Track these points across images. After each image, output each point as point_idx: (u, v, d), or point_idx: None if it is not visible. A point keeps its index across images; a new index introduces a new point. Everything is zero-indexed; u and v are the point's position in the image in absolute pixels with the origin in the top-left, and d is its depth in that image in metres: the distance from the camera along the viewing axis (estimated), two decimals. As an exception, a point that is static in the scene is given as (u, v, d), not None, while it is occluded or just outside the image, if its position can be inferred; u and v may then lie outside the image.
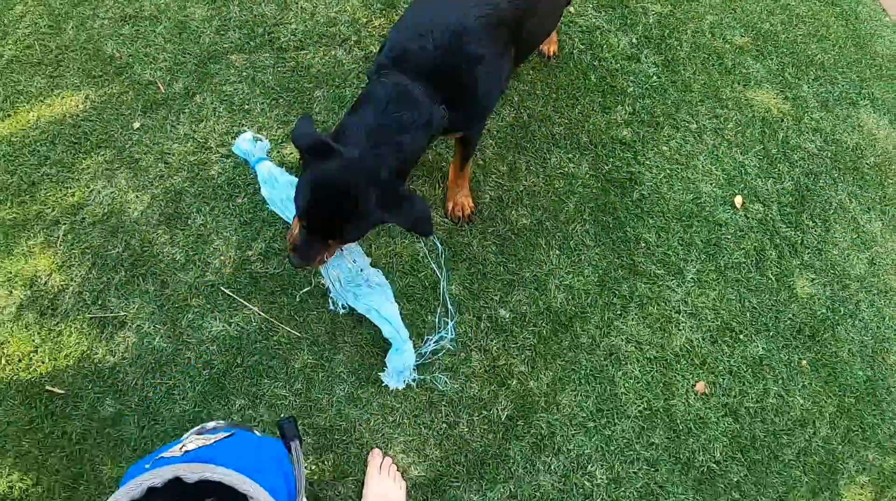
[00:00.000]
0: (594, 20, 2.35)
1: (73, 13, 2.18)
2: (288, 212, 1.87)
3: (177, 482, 0.81)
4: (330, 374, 1.82)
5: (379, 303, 1.76)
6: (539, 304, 1.96)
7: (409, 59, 1.45)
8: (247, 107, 2.08)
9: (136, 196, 1.96)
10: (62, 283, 1.85)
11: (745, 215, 2.18)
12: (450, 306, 1.90)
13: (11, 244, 1.89)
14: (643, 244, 2.08)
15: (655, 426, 1.91)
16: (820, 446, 2.00)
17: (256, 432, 1.27)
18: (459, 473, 1.78)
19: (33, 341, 1.80)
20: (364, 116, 1.42)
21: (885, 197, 2.33)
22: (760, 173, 2.25)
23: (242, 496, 0.82)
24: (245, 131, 1.99)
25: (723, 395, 1.98)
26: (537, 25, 1.68)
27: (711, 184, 2.20)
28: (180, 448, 0.94)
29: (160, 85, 2.09)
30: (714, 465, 1.91)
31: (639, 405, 1.92)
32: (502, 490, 1.79)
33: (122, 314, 1.83)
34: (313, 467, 1.74)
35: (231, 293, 1.86)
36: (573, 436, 1.86)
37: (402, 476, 1.75)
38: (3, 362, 1.78)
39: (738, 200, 2.19)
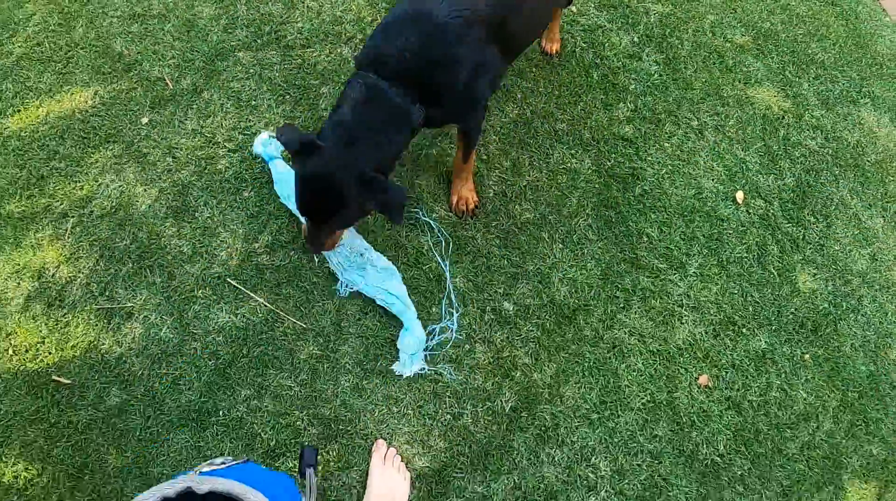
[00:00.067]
0: (596, 19, 2.38)
1: (83, 12, 2.21)
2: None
3: (188, 492, 0.85)
4: (335, 365, 1.83)
5: (387, 284, 1.79)
6: (543, 297, 1.97)
7: (383, 60, 1.54)
8: (254, 103, 2.11)
9: (144, 190, 1.98)
10: (70, 275, 1.87)
11: (747, 211, 2.20)
12: (453, 298, 1.91)
13: (20, 237, 1.91)
14: (645, 239, 2.10)
15: (659, 419, 1.91)
16: (823, 440, 2.00)
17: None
18: (463, 464, 1.79)
19: (40, 331, 1.81)
20: (342, 114, 1.54)
21: (886, 194, 2.34)
22: (761, 170, 2.27)
23: None
24: (262, 132, 2.02)
25: (726, 388, 1.99)
26: (524, 24, 1.72)
27: (713, 180, 2.22)
28: (195, 472, 0.99)
29: (168, 81, 2.12)
30: (718, 458, 1.91)
31: (642, 398, 1.92)
32: (506, 481, 1.79)
33: (129, 305, 1.85)
34: (318, 458, 1.75)
35: (237, 285, 1.88)
36: (577, 428, 1.86)
37: (407, 467, 1.76)
38: (10, 352, 1.80)
39: (740, 195, 2.21)
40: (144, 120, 2.06)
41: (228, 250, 1.92)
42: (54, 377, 1.77)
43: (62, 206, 1.95)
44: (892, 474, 2.02)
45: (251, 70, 2.15)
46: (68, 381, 1.77)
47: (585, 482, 1.82)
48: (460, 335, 1.89)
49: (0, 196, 1.95)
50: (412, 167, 2.08)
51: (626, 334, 1.98)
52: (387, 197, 1.52)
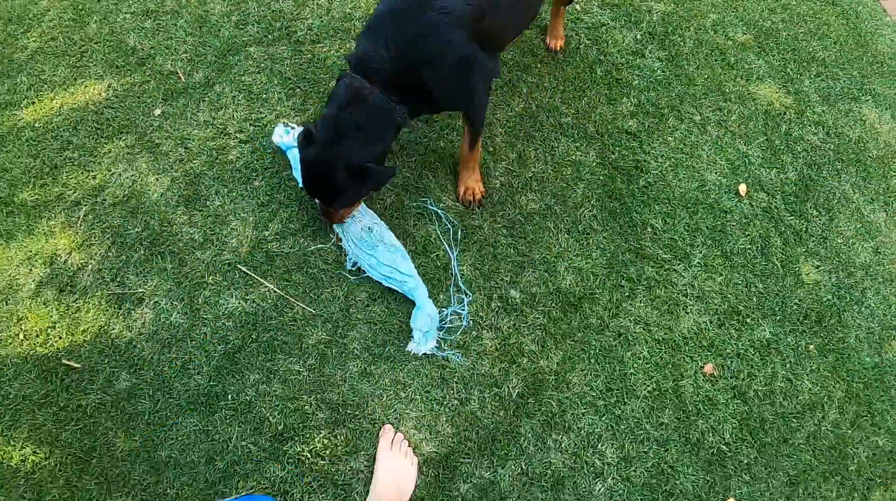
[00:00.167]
0: (599, 17, 2.43)
1: (97, 8, 2.26)
2: None
3: None
4: (343, 350, 1.84)
5: (397, 262, 1.81)
6: (549, 285, 1.99)
7: (369, 61, 1.64)
8: (265, 96, 2.15)
9: (156, 179, 2.01)
10: (81, 261, 1.89)
11: (750, 203, 2.22)
12: (461, 284, 1.93)
13: (33, 224, 1.93)
14: (650, 229, 2.12)
15: (665, 407, 1.92)
16: (829, 430, 2.00)
17: None
18: (471, 449, 1.79)
19: (51, 316, 1.83)
20: (331, 110, 1.68)
21: (888, 189, 2.37)
22: (764, 164, 2.30)
23: None
24: (279, 124, 2.06)
25: (731, 378, 1.99)
26: (505, 20, 1.77)
27: (716, 173, 2.25)
28: None
29: (181, 75, 2.16)
30: (724, 446, 1.92)
31: (648, 386, 1.93)
32: (513, 466, 1.79)
33: (140, 290, 1.87)
34: (325, 441, 1.76)
35: (247, 271, 1.90)
36: (583, 415, 1.87)
37: (414, 452, 1.76)
38: (21, 337, 1.81)
39: (743, 188, 2.23)
40: (157, 112, 2.10)
41: (239, 237, 1.94)
42: (64, 361, 1.78)
43: (75, 194, 1.98)
44: (899, 464, 2.02)
45: (262, 64, 2.19)
46: (78, 365, 1.79)
47: (592, 468, 1.82)
48: (467, 320, 1.91)
49: (13, 185, 1.98)
50: (420, 159, 2.11)
51: (631, 322, 1.99)
52: (377, 180, 1.74)
